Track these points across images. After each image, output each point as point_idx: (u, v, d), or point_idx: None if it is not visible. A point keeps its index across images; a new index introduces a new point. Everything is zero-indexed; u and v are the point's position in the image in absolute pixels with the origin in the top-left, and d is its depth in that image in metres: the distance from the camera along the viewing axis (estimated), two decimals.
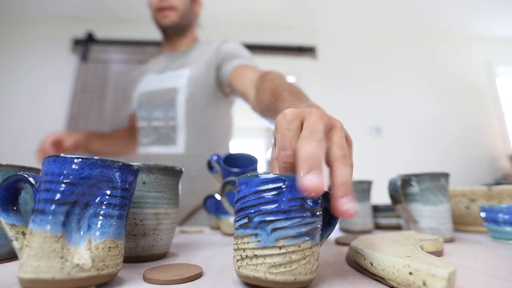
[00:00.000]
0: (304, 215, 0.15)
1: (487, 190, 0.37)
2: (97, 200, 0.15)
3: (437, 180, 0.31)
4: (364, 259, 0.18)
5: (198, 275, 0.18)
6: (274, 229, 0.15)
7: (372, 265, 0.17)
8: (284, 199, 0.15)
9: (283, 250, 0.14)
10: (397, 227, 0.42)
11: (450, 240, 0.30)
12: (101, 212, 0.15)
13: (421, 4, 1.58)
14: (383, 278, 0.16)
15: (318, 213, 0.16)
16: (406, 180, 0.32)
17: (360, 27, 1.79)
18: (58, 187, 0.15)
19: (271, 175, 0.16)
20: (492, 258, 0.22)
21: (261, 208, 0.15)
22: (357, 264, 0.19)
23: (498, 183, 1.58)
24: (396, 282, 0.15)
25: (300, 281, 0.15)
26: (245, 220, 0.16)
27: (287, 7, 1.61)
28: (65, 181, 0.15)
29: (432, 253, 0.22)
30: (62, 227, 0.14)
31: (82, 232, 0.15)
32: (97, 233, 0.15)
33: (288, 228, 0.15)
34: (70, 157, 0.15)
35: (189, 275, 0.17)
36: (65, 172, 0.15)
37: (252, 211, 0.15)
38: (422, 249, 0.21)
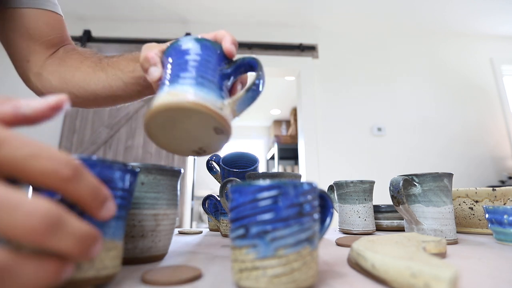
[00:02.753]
0: (303, 221, 0.15)
1: (492, 191, 0.36)
2: None
3: (440, 180, 0.30)
4: (366, 260, 0.17)
5: (197, 277, 0.17)
6: (273, 239, 0.14)
7: (374, 267, 0.17)
8: (281, 206, 0.15)
9: (283, 260, 0.14)
10: (400, 229, 0.41)
11: (454, 242, 0.30)
12: None
13: (424, 3, 1.57)
14: (385, 280, 0.16)
15: (315, 216, 0.16)
16: (408, 181, 0.31)
17: (361, 26, 1.78)
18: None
19: (265, 182, 0.15)
20: (497, 260, 0.22)
21: (258, 217, 0.15)
22: (359, 266, 0.19)
23: (503, 183, 1.57)
24: (398, 284, 0.15)
25: (303, 287, 0.15)
26: (242, 231, 0.15)
27: (288, 6, 1.60)
28: None
29: (435, 255, 0.22)
30: None
31: None
32: None
33: (287, 237, 0.14)
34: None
35: (188, 277, 0.17)
36: None
37: (249, 221, 0.15)
38: (425, 251, 0.21)
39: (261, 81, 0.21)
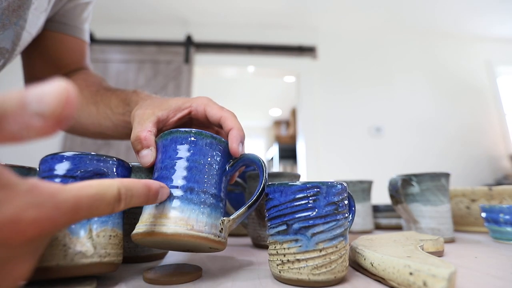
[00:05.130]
0: (338, 218, 0.16)
1: (488, 190, 0.37)
2: None
3: (437, 180, 0.31)
4: (365, 259, 0.18)
5: (198, 275, 0.18)
6: (314, 234, 0.16)
7: (372, 265, 0.17)
8: (320, 205, 0.16)
9: (323, 252, 0.16)
10: (398, 228, 0.42)
11: (451, 241, 0.30)
12: None
13: (421, 4, 1.58)
14: (384, 279, 0.16)
15: (346, 214, 0.17)
16: (407, 180, 0.32)
17: (360, 27, 1.79)
18: (57, 181, 0.15)
19: (305, 183, 0.16)
20: (493, 258, 0.22)
21: (299, 215, 0.16)
22: (358, 264, 0.19)
23: (499, 183, 1.58)
24: (397, 282, 0.15)
25: (339, 278, 0.16)
26: (284, 227, 0.17)
27: (287, 7, 1.60)
28: (63, 174, 0.15)
29: (432, 253, 0.22)
30: None
31: (82, 223, 0.15)
32: (97, 223, 0.15)
33: (326, 232, 0.16)
34: (67, 153, 0.16)
35: (189, 275, 0.17)
36: (63, 167, 0.15)
37: (290, 218, 0.16)
38: (423, 250, 0.21)
39: (263, 188, 0.19)
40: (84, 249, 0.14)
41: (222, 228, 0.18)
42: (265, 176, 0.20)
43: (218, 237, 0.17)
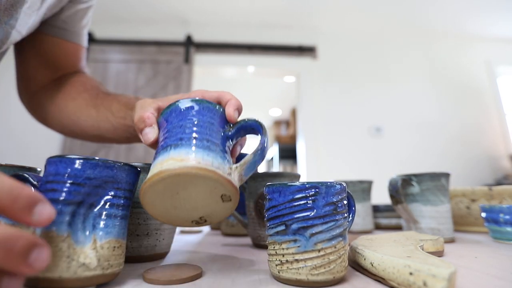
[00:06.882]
0: (337, 218, 0.16)
1: (488, 190, 0.37)
2: (102, 201, 0.15)
3: (437, 180, 0.31)
4: (365, 259, 0.18)
5: (198, 275, 0.18)
6: (312, 234, 0.16)
7: (372, 265, 0.17)
8: (319, 205, 0.16)
9: (322, 253, 0.16)
10: (398, 227, 0.42)
11: (451, 241, 0.30)
12: (106, 213, 0.15)
13: (421, 4, 1.58)
14: (384, 279, 0.16)
15: (346, 214, 0.17)
16: (407, 180, 0.32)
17: (360, 27, 1.79)
18: (64, 187, 0.15)
19: (304, 183, 0.16)
20: (493, 258, 0.22)
21: (298, 215, 0.16)
22: (357, 264, 0.19)
23: (498, 183, 1.58)
24: (397, 282, 0.15)
25: (338, 278, 0.16)
26: (282, 227, 0.17)
27: (287, 7, 1.60)
28: (71, 181, 0.15)
29: (432, 253, 0.22)
30: (68, 227, 0.14)
31: (87, 232, 0.15)
32: (102, 233, 0.15)
33: (325, 232, 0.16)
34: (77, 158, 0.15)
35: (189, 275, 0.17)
36: (71, 173, 0.15)
37: (289, 219, 0.16)
38: (423, 250, 0.21)
39: (267, 145, 0.20)
40: (88, 261, 0.14)
41: (230, 173, 0.17)
42: (266, 137, 0.20)
43: (229, 174, 0.17)
